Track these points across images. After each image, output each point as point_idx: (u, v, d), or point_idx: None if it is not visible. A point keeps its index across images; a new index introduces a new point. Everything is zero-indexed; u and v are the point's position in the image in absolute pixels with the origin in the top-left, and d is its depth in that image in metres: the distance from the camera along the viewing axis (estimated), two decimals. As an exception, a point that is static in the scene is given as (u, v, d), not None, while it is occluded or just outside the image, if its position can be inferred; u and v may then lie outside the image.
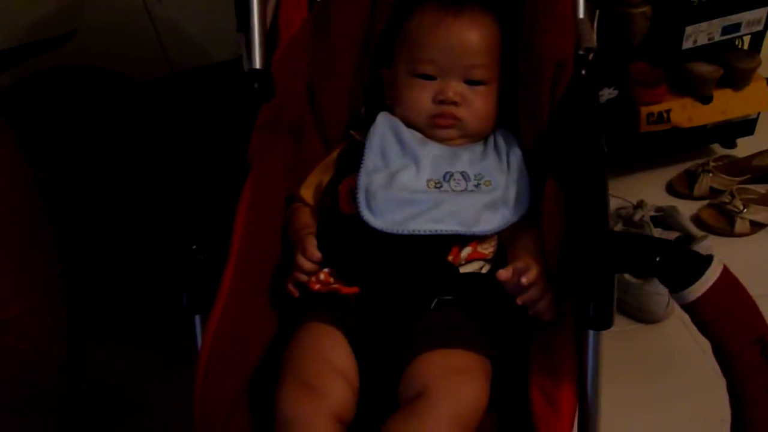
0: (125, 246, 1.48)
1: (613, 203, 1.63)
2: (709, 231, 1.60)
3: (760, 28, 1.59)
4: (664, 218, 1.55)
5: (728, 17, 1.54)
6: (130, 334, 1.58)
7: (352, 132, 1.02)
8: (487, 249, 0.91)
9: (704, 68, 1.62)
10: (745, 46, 1.69)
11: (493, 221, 0.89)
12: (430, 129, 0.98)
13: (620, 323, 1.46)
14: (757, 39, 1.66)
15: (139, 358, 1.52)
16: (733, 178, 1.71)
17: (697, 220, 1.66)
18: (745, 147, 1.80)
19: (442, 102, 0.96)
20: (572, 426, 0.75)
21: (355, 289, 0.87)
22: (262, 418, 0.82)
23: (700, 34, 1.55)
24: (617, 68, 1.61)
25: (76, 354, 1.17)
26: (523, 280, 0.78)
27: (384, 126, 0.97)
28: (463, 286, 0.87)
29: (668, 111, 1.63)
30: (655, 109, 1.63)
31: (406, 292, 0.86)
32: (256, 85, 0.92)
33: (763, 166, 1.71)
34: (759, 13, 1.55)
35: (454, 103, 0.96)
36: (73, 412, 1.19)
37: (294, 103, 1.00)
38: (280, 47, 0.97)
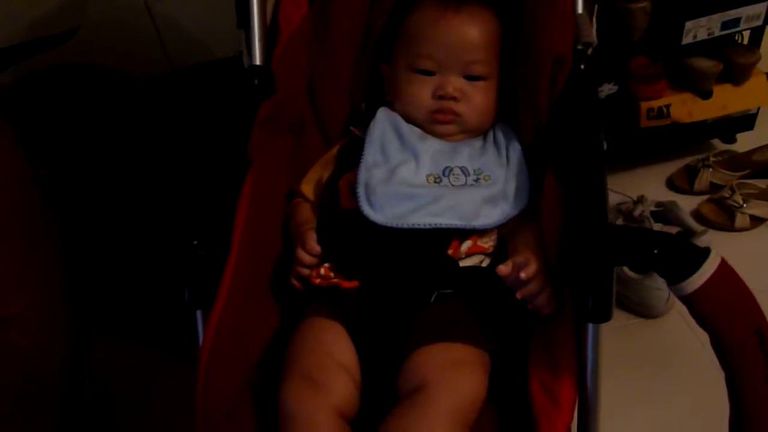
0: (126, 243, 1.48)
1: (614, 198, 1.63)
2: (710, 226, 1.60)
3: (760, 23, 1.59)
4: (665, 213, 1.55)
5: (728, 12, 1.54)
6: (131, 330, 1.58)
7: (352, 128, 1.03)
8: (487, 243, 0.92)
9: (704, 63, 1.62)
10: (745, 41, 1.69)
11: (492, 215, 0.90)
12: (430, 124, 0.98)
13: (621, 318, 1.46)
14: (756, 34, 1.66)
15: (141, 354, 1.52)
16: (733, 173, 1.71)
17: (697, 215, 1.66)
18: (745, 142, 1.80)
19: (441, 97, 0.96)
20: (572, 419, 0.76)
21: (355, 284, 0.87)
22: (265, 413, 0.82)
23: (699, 29, 1.55)
24: (617, 63, 1.61)
25: (77, 351, 1.18)
26: (522, 275, 0.78)
27: (384, 121, 0.97)
28: (463, 280, 0.88)
29: (668, 106, 1.63)
30: (655, 104, 1.63)
31: (406, 285, 0.87)
32: (256, 82, 0.92)
33: (763, 161, 1.71)
34: (758, 8, 1.55)
35: (454, 99, 0.96)
36: (75, 409, 1.19)
37: (294, 99, 1.00)
38: (280, 44, 0.97)
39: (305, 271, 0.89)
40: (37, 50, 1.49)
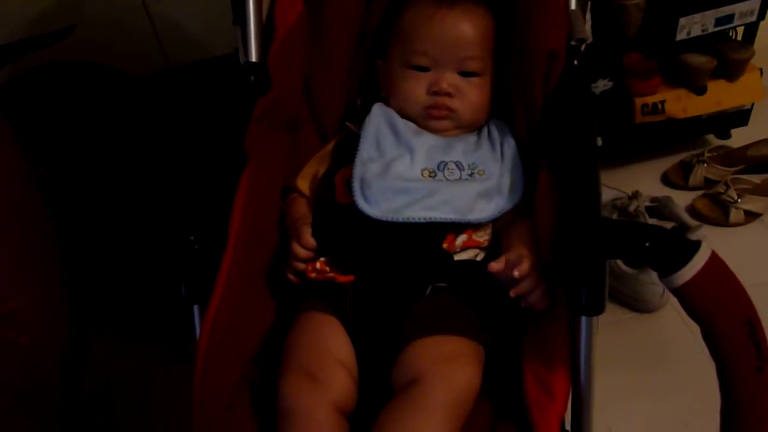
0: (124, 240, 1.49)
1: (609, 194, 1.64)
2: (704, 221, 1.61)
3: (753, 19, 1.59)
4: (659, 208, 1.56)
5: (721, 9, 1.54)
6: (130, 327, 1.58)
7: (347, 123, 1.03)
8: (482, 237, 0.92)
9: (698, 59, 1.63)
10: (739, 37, 1.69)
11: (487, 209, 0.91)
12: (425, 120, 0.99)
13: (616, 312, 1.47)
14: (750, 30, 1.66)
15: (139, 351, 1.52)
16: (727, 169, 1.72)
17: (691, 210, 1.67)
18: (739, 137, 1.81)
19: (436, 93, 0.97)
20: (565, 410, 0.77)
21: (350, 278, 0.88)
22: (262, 407, 0.83)
23: (693, 25, 1.56)
24: (612, 60, 1.62)
25: (76, 348, 1.18)
26: (516, 273, 0.79)
27: (379, 117, 0.98)
28: (457, 274, 0.88)
29: (663, 102, 1.64)
30: (650, 100, 1.64)
31: (401, 279, 0.87)
32: (252, 78, 0.93)
33: (758, 157, 1.71)
34: (752, 4, 1.56)
35: (448, 95, 0.97)
36: (74, 406, 1.19)
37: (290, 95, 1.00)
38: (276, 41, 0.97)
39: (301, 266, 0.89)
40: (34, 48, 1.49)
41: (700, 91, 1.66)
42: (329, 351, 0.83)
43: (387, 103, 1.01)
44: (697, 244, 0.67)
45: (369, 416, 0.77)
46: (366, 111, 0.99)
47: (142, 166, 1.52)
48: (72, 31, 1.52)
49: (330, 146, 1.04)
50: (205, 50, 1.82)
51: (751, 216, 1.63)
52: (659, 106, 1.65)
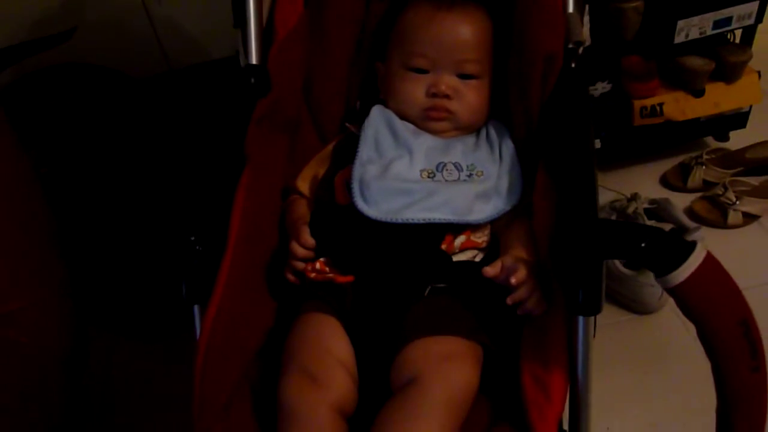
0: (125, 240, 1.49)
1: (608, 196, 1.65)
2: (703, 223, 1.61)
3: (751, 21, 1.60)
4: (658, 210, 1.56)
5: (720, 11, 1.55)
6: (130, 328, 1.59)
7: (347, 124, 1.04)
8: (481, 238, 0.93)
9: (696, 62, 1.63)
10: (737, 40, 1.70)
11: (485, 210, 0.91)
12: (423, 121, 0.99)
13: (614, 314, 1.47)
14: (748, 32, 1.67)
15: (139, 351, 1.53)
16: (726, 171, 1.73)
17: (690, 212, 1.67)
18: (737, 140, 1.81)
19: (434, 95, 0.97)
20: (563, 410, 0.77)
21: (350, 278, 0.88)
22: (262, 407, 0.83)
23: (692, 28, 1.56)
24: (610, 62, 1.62)
25: (76, 348, 1.18)
26: (513, 280, 0.80)
27: (378, 118, 0.99)
28: (456, 274, 0.89)
29: (661, 104, 1.65)
30: (648, 102, 1.64)
31: (400, 280, 0.88)
32: (252, 80, 0.93)
33: (756, 159, 1.72)
34: (750, 7, 1.57)
35: (447, 97, 0.97)
36: (74, 406, 1.20)
37: (290, 97, 1.01)
38: (276, 43, 0.98)
39: (300, 265, 0.90)
40: (36, 50, 1.50)
41: (699, 93, 1.66)
42: (330, 352, 0.83)
43: (386, 105, 1.02)
44: (692, 245, 0.68)
45: (368, 416, 0.78)
46: (365, 112, 1.00)
47: (143, 167, 1.52)
48: (73, 33, 1.53)
49: (330, 147, 1.05)
50: (206, 53, 1.83)
51: (749, 218, 1.64)
52: (658, 108, 1.65)
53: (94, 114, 1.56)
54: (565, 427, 0.80)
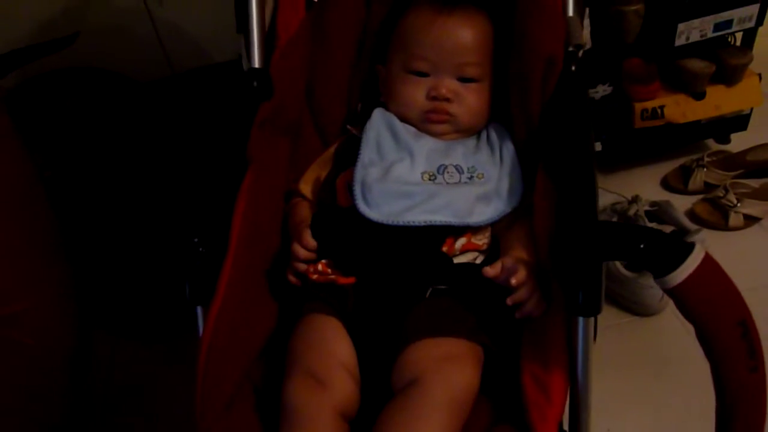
0: (128, 243, 1.50)
1: (609, 198, 1.65)
2: (704, 225, 1.62)
3: (752, 24, 1.60)
4: (659, 213, 1.57)
5: (720, 14, 1.56)
6: (132, 329, 1.59)
7: (348, 127, 1.05)
8: (481, 240, 0.93)
9: (697, 64, 1.64)
10: (738, 43, 1.70)
11: (486, 212, 0.92)
12: (423, 124, 1.00)
13: (615, 316, 1.48)
14: (749, 35, 1.67)
15: (141, 353, 1.54)
16: (727, 173, 1.73)
17: (691, 214, 1.67)
18: (738, 142, 1.82)
19: (435, 98, 0.98)
20: (563, 411, 0.77)
21: (351, 280, 0.89)
22: (264, 407, 0.84)
23: (692, 31, 1.57)
24: (611, 65, 1.63)
25: (80, 349, 1.19)
26: (513, 281, 0.80)
27: (379, 121, 0.99)
28: (457, 277, 0.89)
29: (662, 107, 1.65)
30: (649, 105, 1.65)
31: (401, 281, 0.88)
32: (255, 84, 0.94)
33: (757, 161, 1.72)
34: (750, 10, 1.57)
35: (447, 100, 0.98)
36: (77, 407, 1.20)
37: (292, 100, 1.02)
38: (279, 47, 0.99)
39: (302, 266, 0.90)
40: (40, 54, 1.50)
41: (699, 96, 1.67)
42: (333, 354, 0.84)
43: (387, 108, 1.02)
44: (690, 246, 0.68)
45: (369, 418, 0.78)
46: (366, 115, 1.01)
47: (147, 170, 1.53)
48: (77, 37, 1.53)
49: (332, 150, 1.05)
50: (208, 56, 1.84)
51: (750, 220, 1.64)
52: (659, 111, 1.65)
53: (97, 117, 1.56)
54: (566, 427, 0.80)
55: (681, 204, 1.66)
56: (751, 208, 1.63)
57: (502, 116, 1.02)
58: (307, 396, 0.78)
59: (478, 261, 0.93)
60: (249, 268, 0.87)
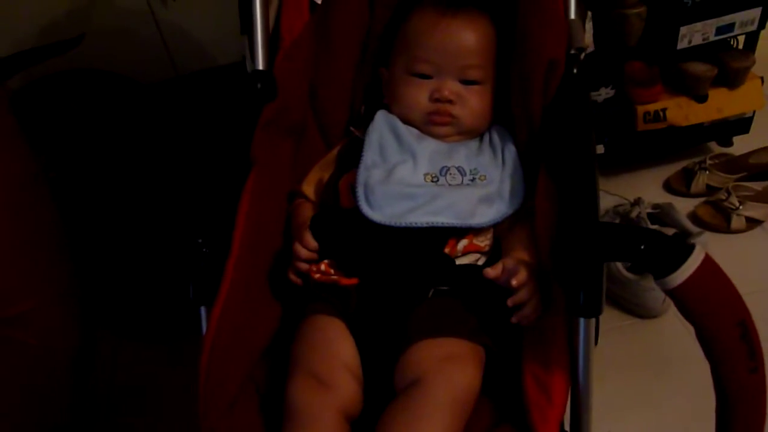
0: (132, 243, 1.50)
1: (611, 201, 1.65)
2: (706, 228, 1.61)
3: (754, 28, 1.60)
4: (661, 215, 1.57)
5: (722, 17, 1.56)
6: (134, 329, 1.60)
7: (352, 128, 1.05)
8: (483, 242, 0.94)
9: (699, 68, 1.64)
10: (740, 46, 1.70)
11: (488, 214, 0.92)
12: (426, 126, 1.00)
13: (617, 318, 1.48)
14: (751, 38, 1.68)
15: (144, 353, 1.54)
16: (729, 176, 1.73)
17: (693, 217, 1.68)
18: (741, 145, 1.82)
19: (438, 100, 0.98)
20: (564, 411, 0.78)
21: (354, 281, 0.89)
22: (267, 407, 0.84)
23: (694, 34, 1.57)
24: (614, 68, 1.63)
25: (84, 349, 1.19)
26: (513, 282, 0.81)
27: (382, 123, 1.00)
28: (459, 278, 0.90)
29: (664, 110, 1.65)
30: (652, 108, 1.65)
31: (404, 283, 0.89)
32: (259, 86, 0.94)
33: (759, 164, 1.72)
34: (752, 14, 1.57)
35: (450, 102, 0.98)
36: (80, 407, 1.21)
37: (296, 103, 1.02)
38: (282, 49, 0.99)
39: (304, 266, 0.91)
40: (45, 56, 1.51)
41: (702, 99, 1.67)
42: (336, 355, 0.84)
43: (389, 110, 1.03)
44: (690, 247, 0.68)
45: (371, 418, 0.79)
46: (370, 117, 1.01)
47: (150, 171, 1.54)
48: (82, 40, 1.54)
49: (335, 152, 1.06)
50: (212, 59, 1.85)
51: (752, 223, 1.64)
52: (661, 113, 1.66)
53: (101, 119, 1.57)
54: (567, 428, 0.81)
55: (683, 206, 1.66)
56: (754, 210, 1.64)
57: (504, 118, 1.02)
58: (310, 397, 0.79)
59: (480, 262, 0.93)
60: (252, 269, 0.87)
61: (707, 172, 1.74)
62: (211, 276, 0.82)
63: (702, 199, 1.72)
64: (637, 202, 1.58)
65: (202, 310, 0.83)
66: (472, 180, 0.95)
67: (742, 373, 0.68)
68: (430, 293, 0.89)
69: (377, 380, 0.84)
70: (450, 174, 0.95)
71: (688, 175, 1.77)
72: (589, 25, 1.48)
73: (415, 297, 0.88)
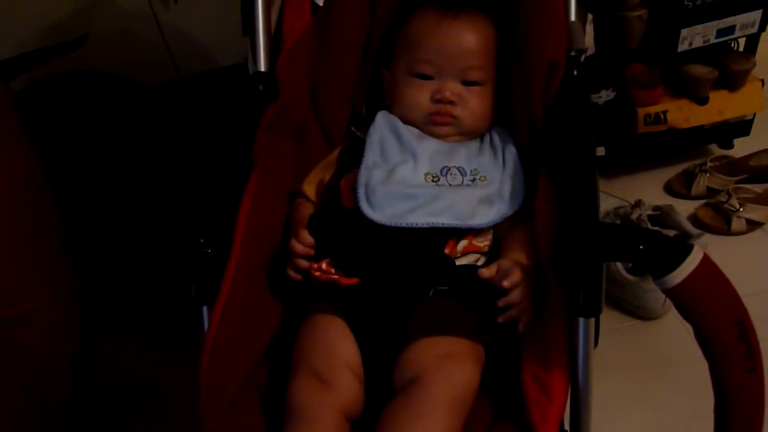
0: (133, 244, 1.50)
1: (612, 203, 1.66)
2: (706, 230, 1.62)
3: (754, 30, 1.61)
4: (662, 217, 1.57)
5: (723, 20, 1.56)
6: (135, 330, 1.60)
7: (353, 129, 1.06)
8: (483, 242, 0.94)
9: (700, 70, 1.64)
10: (741, 48, 1.71)
11: (488, 215, 0.92)
12: (427, 126, 1.01)
13: (618, 320, 1.48)
14: (751, 41, 1.68)
15: (144, 354, 1.54)
16: (729, 178, 1.73)
17: (694, 219, 1.68)
18: (741, 147, 1.82)
19: (439, 101, 0.99)
20: (563, 410, 0.78)
21: (354, 280, 0.89)
22: (268, 407, 0.85)
23: (695, 36, 1.57)
24: (615, 70, 1.64)
25: (86, 350, 1.19)
26: (505, 283, 0.81)
27: (382, 124, 1.00)
28: (458, 278, 0.90)
29: (665, 112, 1.66)
30: (653, 110, 1.65)
31: (404, 283, 0.89)
32: (261, 87, 0.95)
33: (760, 166, 1.72)
34: (753, 16, 1.58)
35: (451, 102, 0.99)
36: (83, 408, 1.21)
37: (297, 104, 1.03)
38: (284, 51, 1.00)
39: (304, 263, 0.91)
40: (48, 57, 1.52)
41: (702, 101, 1.67)
42: (338, 355, 0.84)
43: (391, 111, 1.03)
44: (689, 247, 0.69)
45: (372, 417, 0.79)
46: (371, 118, 1.02)
47: (153, 172, 1.54)
48: (84, 41, 1.55)
49: (336, 152, 1.06)
50: (214, 61, 1.85)
51: (753, 225, 1.64)
52: (662, 116, 1.66)
53: (104, 121, 1.57)
54: (567, 428, 0.81)
55: (684, 209, 1.67)
56: (754, 213, 1.64)
57: (505, 119, 1.02)
58: (312, 396, 0.79)
59: (479, 263, 0.94)
60: (253, 269, 0.88)
61: (708, 174, 1.74)
62: (213, 276, 0.82)
63: (702, 202, 1.72)
64: (638, 204, 1.58)
65: (204, 309, 0.83)
66: (473, 180, 0.95)
67: (740, 373, 0.69)
68: (431, 293, 0.89)
69: (378, 380, 0.84)
70: (451, 174, 0.95)
71: (688, 177, 1.78)
72: (590, 28, 1.48)
73: (415, 297, 0.88)
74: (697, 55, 1.63)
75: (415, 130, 1.01)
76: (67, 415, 1.16)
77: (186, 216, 1.34)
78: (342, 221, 0.93)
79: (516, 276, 0.82)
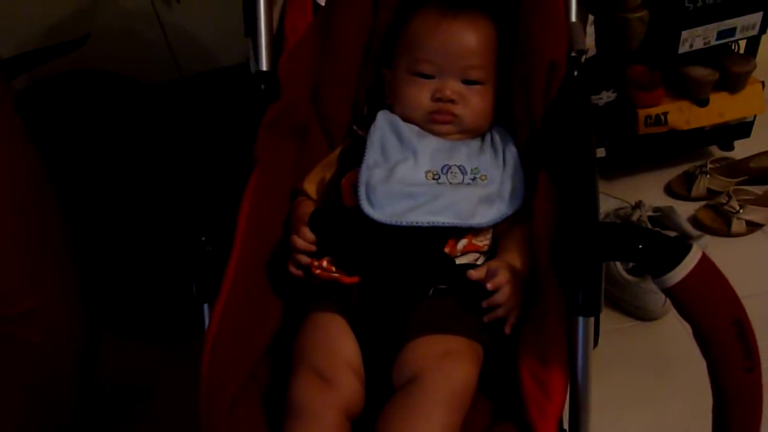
0: (135, 243, 1.51)
1: (612, 204, 1.66)
2: (706, 231, 1.62)
3: (755, 32, 1.61)
4: (662, 218, 1.57)
5: (723, 22, 1.57)
6: (136, 328, 1.60)
7: (355, 127, 1.06)
8: (482, 242, 0.94)
9: (700, 72, 1.65)
10: (741, 50, 1.71)
11: (488, 214, 0.93)
12: (428, 124, 1.01)
13: (618, 320, 1.48)
14: (752, 43, 1.68)
15: (145, 352, 1.54)
16: (730, 180, 1.73)
17: (694, 220, 1.68)
18: (742, 149, 1.82)
19: (439, 100, 0.99)
20: (562, 409, 0.78)
21: (355, 279, 0.89)
22: (269, 405, 0.85)
23: (696, 38, 1.58)
24: (615, 72, 1.64)
25: (87, 348, 1.20)
26: (489, 285, 0.82)
27: (383, 123, 1.01)
28: (458, 277, 0.90)
29: (666, 113, 1.66)
30: (653, 111, 1.66)
31: (404, 281, 0.89)
32: (262, 87, 0.95)
33: (760, 168, 1.73)
34: (754, 18, 1.58)
35: (452, 101, 0.99)
36: (84, 406, 1.21)
37: (299, 103, 1.03)
38: (286, 50, 1.00)
39: (305, 259, 0.91)
40: (50, 57, 1.52)
41: (703, 103, 1.68)
42: (339, 353, 0.84)
43: (392, 110, 1.03)
44: (688, 247, 0.69)
45: (372, 415, 0.79)
46: (372, 118, 1.02)
47: (154, 171, 1.54)
48: (87, 40, 1.55)
49: (337, 152, 1.06)
50: (216, 60, 1.85)
51: (752, 226, 1.64)
52: (662, 117, 1.66)
53: (106, 120, 1.57)
54: (566, 428, 0.81)
55: (684, 210, 1.67)
56: (754, 214, 1.64)
57: (505, 119, 1.03)
58: (313, 394, 0.79)
59: (479, 262, 0.94)
60: (253, 267, 0.88)
61: (708, 175, 1.74)
62: (214, 274, 0.82)
63: (703, 203, 1.72)
64: (638, 205, 1.58)
65: (206, 307, 0.84)
66: (473, 179, 0.96)
67: (738, 372, 0.69)
68: (430, 292, 0.90)
69: (378, 378, 0.84)
70: (451, 172, 0.95)
71: (689, 178, 1.78)
72: (591, 29, 1.49)
73: (415, 295, 0.89)
74: (698, 56, 1.63)
75: (416, 128, 1.01)
76: (68, 413, 1.16)
77: (187, 214, 1.34)
78: (343, 220, 0.94)
79: (501, 278, 0.83)
